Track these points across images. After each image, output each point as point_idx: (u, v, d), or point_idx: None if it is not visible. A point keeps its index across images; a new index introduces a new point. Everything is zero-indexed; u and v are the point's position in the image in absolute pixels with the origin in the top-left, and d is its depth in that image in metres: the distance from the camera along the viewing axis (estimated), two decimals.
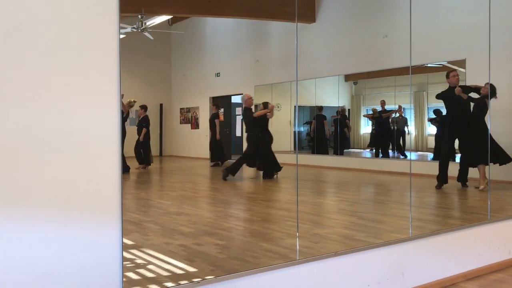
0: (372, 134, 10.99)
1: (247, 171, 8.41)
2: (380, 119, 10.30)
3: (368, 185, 7.96)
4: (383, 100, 10.33)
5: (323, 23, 10.02)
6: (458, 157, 6.59)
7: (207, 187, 8.03)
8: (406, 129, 10.01)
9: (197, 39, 12.31)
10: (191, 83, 11.68)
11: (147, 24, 9.42)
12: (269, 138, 8.70)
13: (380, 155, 10.26)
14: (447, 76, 6.48)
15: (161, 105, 10.91)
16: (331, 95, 11.40)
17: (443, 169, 6.28)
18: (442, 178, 6.21)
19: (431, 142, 9.50)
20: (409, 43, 3.98)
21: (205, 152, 11.32)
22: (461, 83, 7.21)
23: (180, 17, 11.32)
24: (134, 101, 8.89)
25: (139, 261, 3.25)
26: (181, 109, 11.54)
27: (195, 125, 11.51)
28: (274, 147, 12.14)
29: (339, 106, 11.31)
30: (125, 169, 8.13)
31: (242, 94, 11.84)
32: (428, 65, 8.57)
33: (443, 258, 3.58)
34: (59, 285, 2.02)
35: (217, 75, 11.84)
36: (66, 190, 2.04)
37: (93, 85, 2.11)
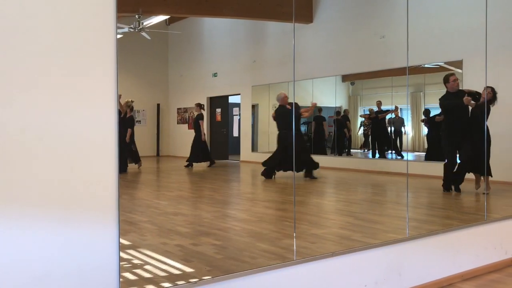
0: (364, 135, 11.01)
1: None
2: (376, 119, 10.32)
3: (365, 186, 7.97)
4: (379, 101, 10.35)
5: (320, 24, 10.02)
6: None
7: (204, 187, 8.02)
8: (403, 129, 10.03)
9: (195, 39, 12.30)
10: (188, 83, 11.67)
11: (145, 24, 9.41)
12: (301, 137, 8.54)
13: (377, 155, 10.28)
14: (447, 81, 6.20)
15: (158, 105, 10.90)
16: (328, 96, 11.42)
17: (450, 174, 6.07)
18: (451, 180, 6.01)
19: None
20: (406, 43, 3.98)
21: None
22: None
23: (178, 17, 11.31)
24: (132, 101, 8.87)
25: (136, 261, 3.25)
26: (178, 109, 11.53)
27: (192, 125, 11.50)
28: (272, 147, 12.16)
29: (336, 107, 11.33)
30: (123, 169, 8.13)
31: (239, 94, 11.87)
32: (425, 65, 8.59)
33: (440, 258, 3.59)
34: (55, 285, 2.01)
35: (214, 75, 11.84)
36: (63, 191, 2.04)
37: (90, 85, 2.11)
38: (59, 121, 2.03)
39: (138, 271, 3.02)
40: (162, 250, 3.51)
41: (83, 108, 2.09)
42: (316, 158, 11.01)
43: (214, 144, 11.47)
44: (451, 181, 6.03)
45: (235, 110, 12.07)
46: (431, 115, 8.71)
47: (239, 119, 11.96)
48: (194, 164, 9.82)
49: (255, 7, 9.90)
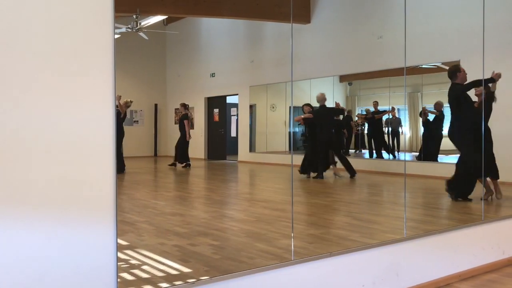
0: (356, 135, 11.02)
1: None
2: (372, 120, 10.33)
3: (363, 186, 7.98)
4: (376, 101, 10.36)
5: (318, 24, 10.03)
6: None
7: (201, 187, 8.02)
8: (400, 129, 10.05)
9: (192, 40, 12.30)
10: (186, 83, 11.67)
11: (142, 24, 9.41)
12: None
13: (374, 155, 10.29)
14: (458, 70, 5.49)
15: (155, 105, 10.90)
16: (326, 96, 11.41)
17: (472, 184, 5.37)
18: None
19: None
20: (403, 44, 3.99)
21: (200, 152, 11.33)
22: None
23: (175, 17, 11.31)
24: (131, 101, 8.88)
25: (133, 261, 3.24)
26: (176, 109, 11.52)
27: (190, 125, 11.49)
28: (269, 147, 12.17)
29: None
30: (121, 169, 8.14)
31: (237, 94, 11.87)
32: (423, 66, 8.61)
33: (437, 259, 3.60)
34: (53, 286, 2.01)
35: (212, 75, 11.84)
36: (60, 191, 2.03)
37: (87, 85, 2.10)
38: (57, 121, 2.03)
39: (136, 271, 3.01)
40: (159, 250, 3.50)
41: (81, 108, 2.08)
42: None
43: (212, 144, 11.48)
44: (465, 190, 5.31)
45: (233, 110, 12.08)
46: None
47: (237, 119, 11.97)
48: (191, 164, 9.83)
49: (253, 7, 9.90)
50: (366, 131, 10.80)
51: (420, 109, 9.57)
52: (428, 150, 8.47)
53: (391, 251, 3.32)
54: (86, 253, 2.09)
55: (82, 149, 2.09)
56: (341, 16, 10.00)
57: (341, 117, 10.47)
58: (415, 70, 8.72)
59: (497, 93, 5.50)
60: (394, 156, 9.93)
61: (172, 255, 3.37)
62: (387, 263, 3.28)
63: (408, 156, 9.64)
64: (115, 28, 2.18)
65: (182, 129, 9.82)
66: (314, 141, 8.68)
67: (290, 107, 11.58)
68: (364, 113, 10.71)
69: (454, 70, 5.56)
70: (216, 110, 11.67)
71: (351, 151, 11.03)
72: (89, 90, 2.11)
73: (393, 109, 10.00)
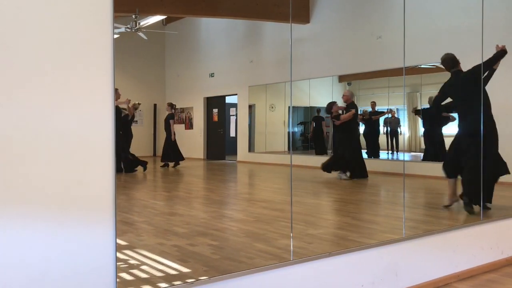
0: None
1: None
2: (370, 121, 10.32)
3: (362, 186, 7.98)
4: (374, 102, 10.36)
5: (317, 24, 10.04)
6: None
7: (201, 187, 8.02)
8: (399, 129, 10.05)
9: (191, 39, 12.30)
10: (185, 83, 11.67)
11: (141, 24, 9.40)
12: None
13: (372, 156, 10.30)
14: (457, 63, 5.00)
15: (155, 105, 10.89)
16: (325, 96, 11.43)
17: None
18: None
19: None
20: (402, 44, 3.99)
21: (199, 152, 11.33)
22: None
23: (175, 17, 11.30)
24: (139, 104, 8.95)
25: (132, 261, 3.24)
26: (175, 109, 11.52)
27: (189, 125, 11.51)
28: (268, 147, 12.17)
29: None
30: (132, 168, 8.22)
31: (236, 94, 11.87)
32: (422, 66, 8.61)
33: (436, 258, 3.60)
34: (52, 286, 2.01)
35: (211, 75, 11.84)
36: (59, 191, 2.03)
37: (86, 85, 2.10)
38: (56, 121, 2.03)
39: (135, 271, 3.01)
40: (158, 250, 3.50)
41: (80, 108, 2.08)
42: (316, 158, 11.05)
43: (211, 144, 11.48)
44: (476, 197, 4.50)
45: (232, 110, 12.08)
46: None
47: (236, 119, 11.97)
48: (181, 163, 9.84)
49: (252, 7, 9.90)
50: (362, 131, 10.81)
51: (416, 107, 9.59)
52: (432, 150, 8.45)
53: (390, 251, 3.33)
54: (85, 253, 2.08)
55: (81, 149, 2.09)
56: (340, 16, 10.01)
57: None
58: (414, 70, 8.73)
59: (497, 94, 5.50)
60: (378, 156, 9.95)
61: (171, 255, 3.36)
62: (386, 263, 3.29)
63: (407, 156, 9.65)
64: (114, 28, 2.17)
65: (167, 129, 9.82)
66: (354, 141, 8.61)
67: (289, 107, 11.58)
68: (361, 113, 10.71)
69: (453, 57, 5.04)
70: (215, 110, 11.67)
71: None
72: (88, 90, 2.10)
73: (392, 113, 10.00)
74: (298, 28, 9.89)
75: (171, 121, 9.84)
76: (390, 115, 10.04)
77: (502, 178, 4.99)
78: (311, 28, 10.05)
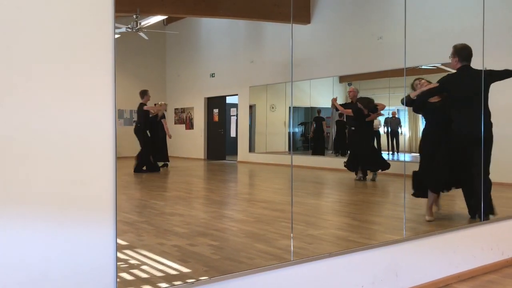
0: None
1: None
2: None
3: (362, 186, 7.98)
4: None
5: (318, 25, 10.04)
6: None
7: (201, 187, 8.02)
8: (399, 130, 10.05)
9: (192, 40, 12.30)
10: (185, 83, 11.67)
11: (142, 24, 9.41)
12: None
13: None
14: (471, 57, 4.54)
15: (155, 105, 10.89)
16: (326, 97, 11.44)
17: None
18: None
19: None
20: (403, 45, 3.99)
21: (200, 152, 11.32)
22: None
23: (175, 17, 11.30)
24: (166, 104, 9.13)
25: (133, 261, 3.24)
26: (175, 109, 11.53)
27: (189, 125, 11.50)
28: (269, 147, 12.17)
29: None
30: (156, 168, 8.47)
31: (237, 94, 11.88)
32: (422, 67, 8.61)
33: (436, 259, 3.60)
34: (52, 286, 2.01)
35: (212, 75, 11.84)
36: (60, 191, 2.03)
37: (87, 84, 2.10)
38: (57, 121, 2.03)
39: (135, 271, 3.01)
40: (159, 251, 3.50)
41: (81, 108, 2.08)
42: (316, 158, 11.06)
43: (212, 144, 11.47)
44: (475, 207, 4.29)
45: (233, 111, 12.08)
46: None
47: (237, 120, 11.97)
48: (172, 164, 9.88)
49: (253, 7, 9.90)
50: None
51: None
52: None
53: (390, 251, 3.33)
54: (85, 253, 2.09)
55: (82, 149, 2.09)
56: (341, 17, 10.00)
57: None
58: (415, 71, 8.72)
59: (496, 94, 5.50)
60: (393, 154, 9.93)
61: (172, 255, 3.37)
62: (387, 264, 3.29)
63: (407, 157, 9.65)
64: (115, 28, 2.18)
65: (160, 129, 9.84)
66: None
67: (289, 107, 11.59)
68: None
69: (471, 48, 4.52)
70: (215, 110, 11.67)
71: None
72: (89, 90, 2.11)
73: (393, 113, 9.97)
74: (299, 29, 9.90)
75: (163, 121, 9.87)
76: (391, 115, 10.04)
77: (504, 179, 5.00)
78: (312, 28, 10.05)
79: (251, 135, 12.03)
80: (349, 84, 11.11)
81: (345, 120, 10.40)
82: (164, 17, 10.68)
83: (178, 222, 4.71)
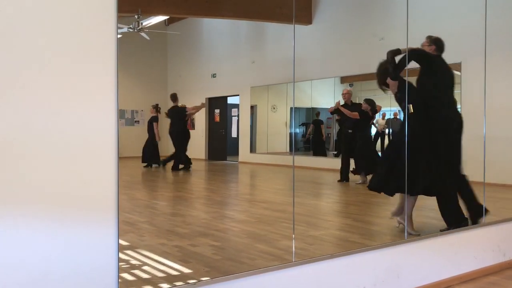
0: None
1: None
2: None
3: (363, 187, 7.97)
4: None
5: (319, 25, 10.03)
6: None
7: (202, 188, 8.02)
8: None
9: (194, 40, 12.30)
10: (187, 83, 11.66)
11: (144, 24, 9.41)
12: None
13: None
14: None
15: (156, 105, 10.90)
16: (327, 97, 11.43)
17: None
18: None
19: None
20: (405, 45, 3.99)
21: (201, 153, 11.32)
22: (456, 87, 7.07)
23: (177, 18, 11.30)
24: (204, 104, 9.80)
25: (134, 262, 3.24)
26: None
27: (191, 126, 11.49)
28: (270, 148, 12.16)
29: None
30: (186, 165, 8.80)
31: (238, 95, 11.88)
32: None
33: (438, 261, 3.59)
34: (54, 286, 2.01)
35: (213, 76, 11.84)
36: (62, 191, 2.03)
37: (90, 84, 2.10)
38: (59, 121, 2.03)
39: (136, 271, 3.01)
40: (160, 251, 3.50)
41: (83, 108, 2.08)
42: (316, 158, 11.05)
43: (213, 144, 11.47)
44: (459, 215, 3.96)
45: (234, 111, 12.07)
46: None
47: (238, 120, 11.97)
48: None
49: (255, 8, 9.90)
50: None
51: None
52: None
53: (392, 253, 3.32)
54: (87, 254, 2.09)
55: (84, 149, 2.09)
56: (343, 17, 10.00)
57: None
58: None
59: (494, 95, 5.48)
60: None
61: (173, 256, 3.37)
62: (388, 265, 3.28)
63: None
64: (117, 28, 2.18)
65: (150, 130, 9.85)
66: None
67: (291, 108, 11.58)
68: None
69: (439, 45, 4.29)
70: (217, 111, 11.66)
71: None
72: (92, 89, 2.11)
73: (394, 114, 9.94)
74: (301, 29, 9.89)
75: (154, 124, 9.90)
76: (392, 116, 10.02)
77: (506, 180, 4.97)
78: (313, 29, 10.04)
79: (252, 135, 12.02)
80: (351, 85, 11.10)
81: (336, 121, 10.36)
82: (166, 17, 10.68)
83: (179, 222, 4.71)
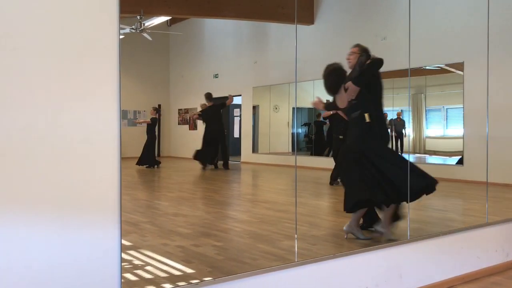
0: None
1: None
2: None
3: None
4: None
5: (321, 25, 10.03)
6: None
7: (204, 188, 8.02)
8: (403, 131, 10.02)
9: (196, 40, 12.31)
10: (189, 84, 11.68)
11: (146, 24, 9.43)
12: None
13: None
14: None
15: (159, 106, 10.92)
16: (329, 97, 11.41)
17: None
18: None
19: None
20: (407, 45, 3.98)
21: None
22: (458, 86, 7.07)
23: (179, 18, 11.32)
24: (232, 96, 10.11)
25: (136, 262, 3.25)
26: (179, 110, 11.54)
27: (193, 126, 11.51)
28: (272, 148, 12.16)
29: None
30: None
31: (240, 95, 11.88)
32: (426, 67, 8.59)
33: (441, 261, 3.59)
34: (57, 286, 2.01)
35: (215, 76, 11.85)
36: (65, 191, 2.04)
37: (92, 85, 2.11)
38: (62, 121, 2.03)
39: (139, 272, 3.02)
40: (163, 251, 3.51)
41: (86, 109, 2.09)
42: (317, 159, 11.03)
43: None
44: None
45: (236, 111, 12.08)
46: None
47: (240, 120, 11.97)
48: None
49: (257, 8, 9.91)
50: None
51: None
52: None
53: (394, 253, 3.32)
54: (90, 254, 2.09)
55: (87, 150, 2.09)
56: (345, 17, 9.99)
57: None
58: (419, 72, 8.71)
59: (496, 94, 5.47)
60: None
61: (175, 256, 3.37)
62: (391, 265, 3.28)
63: (411, 158, 9.62)
64: (120, 28, 2.18)
65: (149, 132, 9.86)
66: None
67: (293, 108, 11.58)
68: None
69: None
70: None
71: None
72: (94, 90, 2.11)
73: (398, 114, 9.93)
74: (303, 29, 9.89)
75: (149, 125, 9.93)
76: (396, 116, 10.01)
77: (506, 180, 4.97)
78: (316, 29, 10.04)
79: (255, 135, 12.02)
80: None
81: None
82: (168, 18, 10.70)
83: (182, 222, 4.71)
